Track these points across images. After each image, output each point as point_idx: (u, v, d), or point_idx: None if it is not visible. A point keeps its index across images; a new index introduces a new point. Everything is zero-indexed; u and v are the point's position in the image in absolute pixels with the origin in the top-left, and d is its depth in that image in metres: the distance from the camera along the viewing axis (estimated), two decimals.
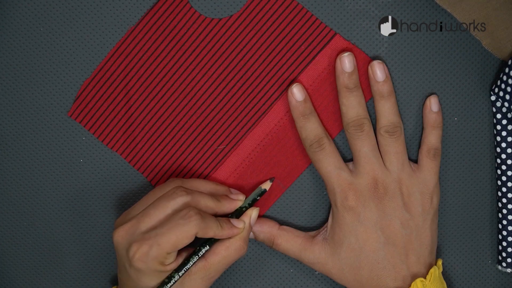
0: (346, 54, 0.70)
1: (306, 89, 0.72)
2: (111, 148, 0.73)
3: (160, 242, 0.65)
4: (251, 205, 0.71)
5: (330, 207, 0.74)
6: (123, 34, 0.71)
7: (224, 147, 0.73)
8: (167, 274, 0.67)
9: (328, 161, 0.70)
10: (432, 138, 0.71)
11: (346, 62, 0.70)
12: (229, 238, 0.69)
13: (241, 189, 0.74)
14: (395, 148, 0.70)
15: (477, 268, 0.76)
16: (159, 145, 0.73)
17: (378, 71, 0.70)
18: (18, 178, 0.74)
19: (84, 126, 0.73)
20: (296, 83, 0.71)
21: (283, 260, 0.76)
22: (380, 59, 0.71)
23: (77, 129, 0.73)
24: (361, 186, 0.70)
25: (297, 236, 0.73)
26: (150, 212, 0.66)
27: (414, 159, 0.73)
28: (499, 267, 0.75)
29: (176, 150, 0.73)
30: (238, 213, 0.70)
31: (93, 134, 0.73)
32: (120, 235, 0.66)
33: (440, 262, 0.72)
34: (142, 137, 0.73)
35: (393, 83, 0.72)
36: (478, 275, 0.76)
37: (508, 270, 0.74)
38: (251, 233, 0.73)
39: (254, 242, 0.75)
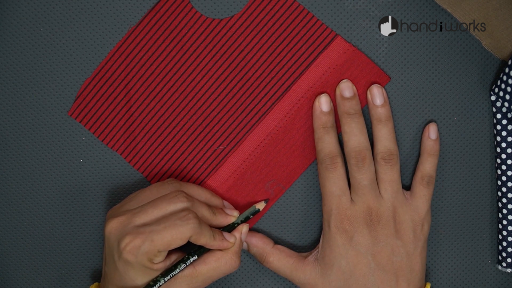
0: (345, 80, 0.71)
1: (306, 91, 0.72)
2: (111, 148, 0.73)
3: (154, 238, 0.65)
4: (243, 222, 0.72)
5: None
6: (124, 33, 0.71)
7: (225, 148, 0.73)
8: (153, 273, 0.67)
9: (335, 183, 0.71)
10: (427, 165, 0.72)
11: (345, 88, 0.71)
12: (220, 250, 0.69)
13: (241, 191, 0.74)
14: (390, 176, 0.71)
15: (477, 268, 0.76)
16: (159, 145, 0.73)
17: (376, 94, 0.71)
18: (18, 178, 0.74)
19: (84, 126, 0.73)
20: (325, 93, 0.71)
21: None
22: (380, 59, 0.71)
23: (77, 129, 0.73)
24: (356, 212, 0.71)
25: (290, 256, 0.73)
26: (148, 210, 0.67)
27: (407, 179, 0.74)
28: (499, 267, 0.75)
29: (176, 150, 0.73)
30: (229, 228, 0.71)
31: (93, 133, 0.73)
32: (114, 227, 0.66)
33: (429, 286, 0.73)
34: (142, 137, 0.73)
35: (392, 83, 0.72)
36: (478, 275, 0.76)
37: (508, 270, 0.74)
38: (244, 243, 0.73)
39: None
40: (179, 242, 0.66)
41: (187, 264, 0.68)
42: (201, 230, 0.66)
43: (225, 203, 0.73)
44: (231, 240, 0.70)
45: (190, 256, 0.68)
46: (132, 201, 0.69)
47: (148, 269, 0.66)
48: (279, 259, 0.73)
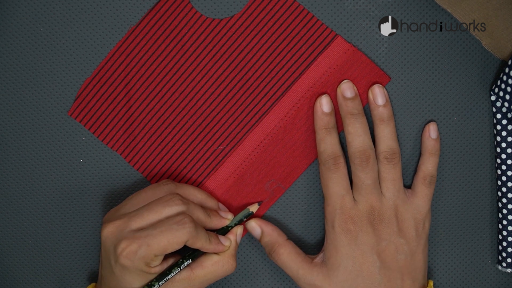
0: (345, 81, 0.71)
1: (306, 91, 0.72)
2: (111, 148, 0.73)
3: (150, 243, 0.65)
4: (237, 224, 0.72)
5: None
6: (124, 33, 0.71)
7: (224, 148, 0.73)
8: (150, 276, 0.67)
9: (338, 183, 0.71)
10: (429, 165, 0.72)
11: (347, 88, 0.71)
12: (216, 253, 0.70)
13: (241, 191, 0.74)
14: (392, 175, 0.71)
15: (477, 268, 0.76)
16: (159, 145, 0.73)
17: (378, 94, 0.71)
18: (18, 178, 0.74)
19: (84, 125, 0.73)
20: (326, 94, 0.71)
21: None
22: (380, 59, 0.71)
23: (77, 129, 0.73)
24: (360, 212, 0.71)
25: (299, 254, 0.73)
26: (143, 214, 0.67)
27: (408, 181, 0.74)
28: (499, 267, 0.75)
29: (176, 150, 0.73)
30: (223, 231, 0.71)
31: (93, 133, 0.73)
32: (110, 231, 0.67)
33: (431, 283, 0.73)
34: (142, 136, 0.73)
35: (393, 83, 0.72)
36: (478, 275, 0.76)
37: (508, 270, 0.74)
38: (258, 230, 0.73)
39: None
40: (176, 246, 0.66)
41: (182, 268, 0.68)
42: (197, 234, 0.67)
43: (220, 205, 0.73)
44: (226, 243, 0.70)
45: (184, 260, 0.68)
46: (128, 204, 0.69)
47: (145, 273, 0.66)
48: (290, 253, 0.73)
